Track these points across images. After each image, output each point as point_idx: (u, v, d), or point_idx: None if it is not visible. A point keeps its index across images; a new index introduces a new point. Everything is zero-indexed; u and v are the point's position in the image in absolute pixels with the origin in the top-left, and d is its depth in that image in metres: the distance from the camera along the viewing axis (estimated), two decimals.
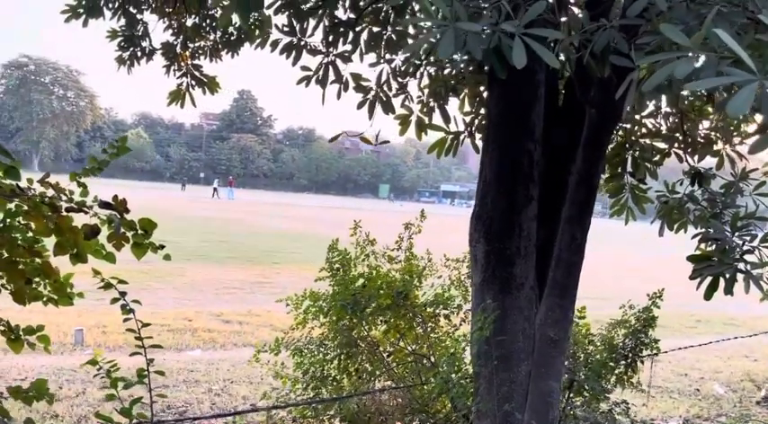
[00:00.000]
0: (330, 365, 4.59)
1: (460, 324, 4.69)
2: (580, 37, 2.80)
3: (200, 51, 6.02)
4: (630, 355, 4.44)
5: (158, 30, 5.91)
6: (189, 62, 5.97)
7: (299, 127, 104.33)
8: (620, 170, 4.75)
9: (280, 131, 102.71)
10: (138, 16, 5.71)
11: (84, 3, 5.28)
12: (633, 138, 4.82)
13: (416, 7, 3.55)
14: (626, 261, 21.71)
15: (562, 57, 3.16)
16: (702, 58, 2.21)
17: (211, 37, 5.98)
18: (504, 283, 3.54)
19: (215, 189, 57.34)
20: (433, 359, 4.39)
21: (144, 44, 5.81)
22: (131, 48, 5.75)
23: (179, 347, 9.01)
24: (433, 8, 2.57)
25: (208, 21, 5.88)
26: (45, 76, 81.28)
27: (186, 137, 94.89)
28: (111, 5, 5.43)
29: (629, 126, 4.76)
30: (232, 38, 5.91)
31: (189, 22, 5.88)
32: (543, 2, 2.60)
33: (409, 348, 4.62)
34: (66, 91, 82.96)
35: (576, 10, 4.25)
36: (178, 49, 5.90)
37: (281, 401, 4.60)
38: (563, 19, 3.43)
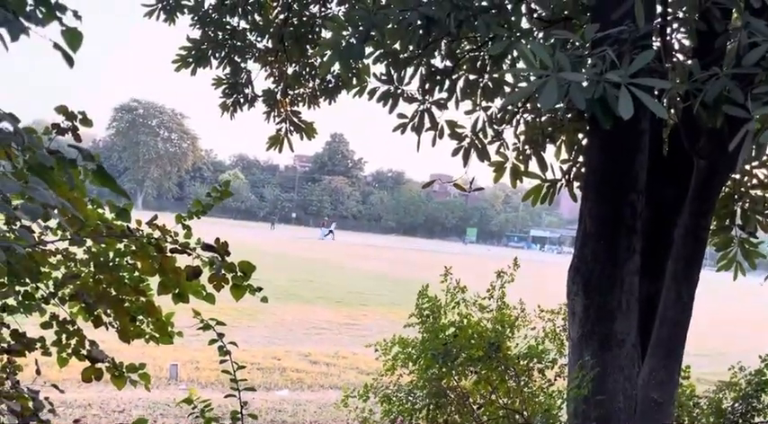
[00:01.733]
0: (419, 415, 4.50)
1: (555, 379, 4.51)
2: (690, 86, 2.69)
3: (298, 98, 6.23)
4: (741, 421, 4.13)
5: (260, 78, 6.16)
6: (288, 108, 6.18)
7: (388, 169, 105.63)
8: (728, 222, 4.51)
9: (369, 173, 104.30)
10: (242, 65, 5.98)
11: (193, 53, 5.57)
12: (743, 189, 4.58)
13: (516, 55, 3.54)
14: (731, 317, 20.48)
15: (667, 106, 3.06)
16: None
17: (310, 84, 6.18)
18: (603, 339, 3.39)
19: (330, 231, 58.92)
20: (525, 415, 4.23)
21: (246, 91, 6.06)
22: (234, 95, 6.00)
23: (267, 386, 9.10)
24: (535, 57, 2.55)
25: (307, 69, 6.09)
26: (152, 120, 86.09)
27: (280, 179, 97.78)
28: (217, 55, 5.72)
29: (737, 176, 4.53)
30: (330, 85, 6.08)
31: (289, 71, 6.10)
32: (651, 51, 2.53)
33: (501, 401, 4.47)
34: (171, 133, 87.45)
35: (680, 56, 4.14)
36: (278, 96, 6.12)
37: None
38: (668, 66, 3.33)
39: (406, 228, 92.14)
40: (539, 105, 4.46)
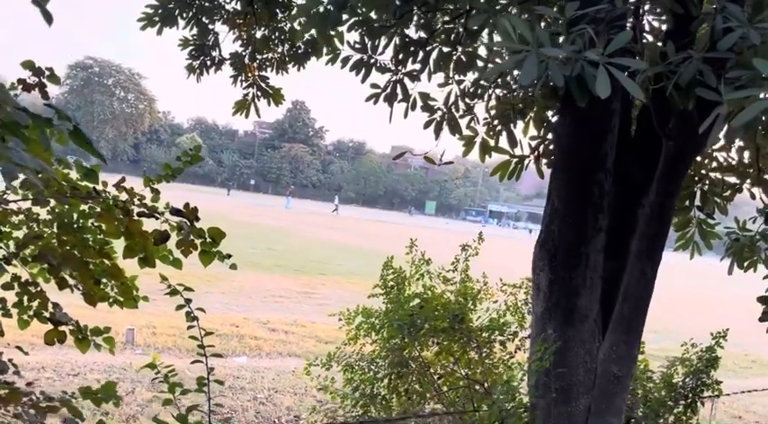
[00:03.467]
0: (380, 383, 4.55)
1: (515, 352, 4.60)
2: (664, 68, 2.73)
3: (267, 63, 6.11)
4: (691, 395, 4.29)
5: (228, 41, 6.02)
6: (256, 73, 6.06)
7: (349, 139, 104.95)
8: (687, 203, 4.62)
9: (330, 143, 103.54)
10: (210, 26, 5.83)
11: (160, 12, 5.41)
12: (703, 172, 4.69)
13: (494, 29, 3.53)
14: (683, 295, 21.10)
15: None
16: None
17: (279, 49, 6.06)
18: (567, 314, 3.46)
19: (336, 208, 59.26)
20: (486, 386, 4.31)
21: (214, 54, 5.92)
22: (201, 57, 5.86)
23: (225, 352, 9.09)
24: (515, 32, 2.54)
25: (276, 34, 5.97)
26: (108, 79, 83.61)
27: (239, 144, 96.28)
28: (184, 15, 5.56)
29: (699, 158, 4.64)
30: (299, 51, 5.98)
31: (258, 34, 5.97)
32: (629, 32, 2.55)
33: (462, 372, 4.55)
34: (127, 93, 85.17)
35: (649, 38, 4.19)
36: (246, 60, 5.99)
37: (329, 417, 4.58)
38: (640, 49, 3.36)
39: (365, 199, 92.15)
40: (515, 80, 4.49)
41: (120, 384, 7.14)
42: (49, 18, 1.62)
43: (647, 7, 3.83)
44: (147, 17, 5.43)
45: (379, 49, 4.26)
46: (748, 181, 4.65)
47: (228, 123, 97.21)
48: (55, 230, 2.77)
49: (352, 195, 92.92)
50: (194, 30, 5.74)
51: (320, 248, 25.38)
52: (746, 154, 4.62)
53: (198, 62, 5.88)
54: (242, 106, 6.07)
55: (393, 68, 4.37)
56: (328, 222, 42.69)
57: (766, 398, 9.71)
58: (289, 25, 5.94)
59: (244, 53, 6.00)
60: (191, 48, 5.82)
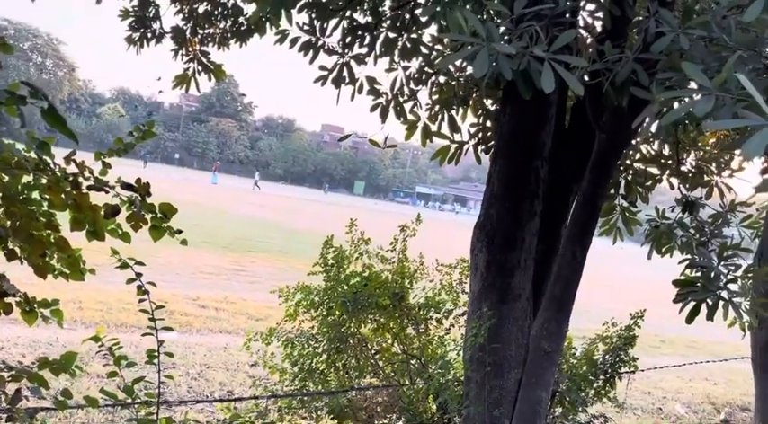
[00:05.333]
0: (319, 358, 4.68)
1: (449, 328, 4.82)
2: (601, 66, 2.93)
3: (208, 38, 6.06)
4: (610, 370, 4.61)
5: (169, 15, 5.93)
6: (197, 48, 6.01)
7: (278, 116, 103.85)
8: (612, 191, 4.92)
9: (259, 119, 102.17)
10: None
11: None
12: (628, 162, 4.99)
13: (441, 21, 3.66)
14: (602, 278, 22.08)
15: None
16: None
17: (221, 25, 6.02)
18: (502, 293, 3.67)
19: (255, 183, 58.18)
20: (422, 361, 4.51)
21: (155, 26, 5.83)
22: (142, 30, 5.77)
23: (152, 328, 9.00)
24: (466, 24, 2.69)
25: (219, 9, 5.92)
26: (24, 42, 79.61)
27: (164, 116, 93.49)
28: None
29: (624, 150, 4.93)
30: (242, 28, 5.96)
31: (200, 9, 5.91)
32: (573, 31, 2.74)
33: (399, 348, 4.73)
34: (45, 59, 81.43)
35: (583, 33, 4.42)
36: (188, 35, 5.93)
37: (269, 390, 4.68)
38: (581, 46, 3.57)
39: (294, 177, 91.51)
40: (460, 69, 4.65)
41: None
42: None
43: (588, 6, 4.05)
44: None
45: (328, 32, 4.34)
46: (667, 171, 4.99)
47: (153, 95, 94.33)
48: None
49: (281, 172, 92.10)
50: (135, 2, 5.64)
51: (248, 225, 25.17)
52: (666, 147, 4.95)
53: (138, 34, 5.78)
54: (183, 80, 6.02)
55: (340, 51, 4.45)
56: (256, 199, 42.26)
57: (673, 375, 10.40)
58: (232, 1, 5.91)
59: (185, 27, 5.94)
60: (131, 19, 5.71)
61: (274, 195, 51.38)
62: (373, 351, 4.83)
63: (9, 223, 2.69)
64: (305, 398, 4.50)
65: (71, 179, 2.58)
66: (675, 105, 2.59)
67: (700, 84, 2.32)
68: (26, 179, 2.68)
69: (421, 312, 4.66)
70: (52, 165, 2.58)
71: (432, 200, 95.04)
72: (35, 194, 2.73)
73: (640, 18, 3.15)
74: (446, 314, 4.74)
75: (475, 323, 3.66)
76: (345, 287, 4.53)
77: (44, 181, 2.60)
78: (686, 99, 2.55)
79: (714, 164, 4.84)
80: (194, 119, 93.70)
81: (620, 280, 24.14)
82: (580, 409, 4.39)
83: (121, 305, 9.54)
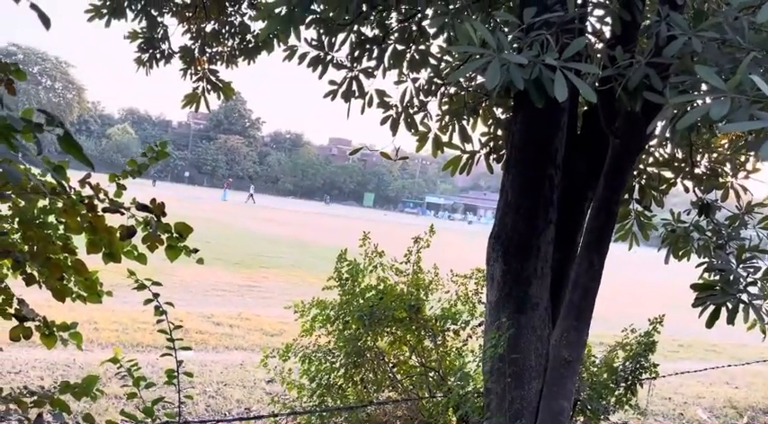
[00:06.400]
0: (337, 373, 4.66)
1: (467, 339, 4.78)
2: (613, 71, 2.92)
3: (217, 57, 6.10)
4: (630, 377, 4.56)
5: (177, 34, 5.98)
6: (206, 67, 6.05)
7: (286, 131, 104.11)
8: (627, 196, 4.88)
9: (267, 134, 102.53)
10: (159, 19, 5.78)
11: (108, 3, 5.34)
12: (641, 167, 4.96)
13: (450, 32, 3.66)
14: (619, 284, 21.96)
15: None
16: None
17: (229, 43, 6.07)
18: (519, 302, 3.64)
19: (250, 195, 58.37)
20: (441, 373, 4.48)
21: (163, 47, 5.88)
22: (150, 50, 5.81)
23: (170, 347, 9.00)
24: (476, 35, 2.68)
25: (227, 27, 5.97)
26: (33, 67, 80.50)
27: (173, 135, 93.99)
28: (133, 7, 5.50)
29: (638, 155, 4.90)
30: (249, 45, 6.00)
31: (208, 28, 5.96)
32: (584, 38, 2.73)
33: (417, 360, 4.70)
34: (54, 82, 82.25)
35: (591, 38, 4.41)
36: (196, 54, 5.97)
37: (287, 407, 4.66)
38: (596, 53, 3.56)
39: (303, 191, 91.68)
40: (470, 79, 4.65)
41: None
42: (47, 23, 1.65)
43: (596, 12, 4.04)
44: (94, 9, 5.36)
45: (336, 46, 4.35)
46: (681, 174, 4.96)
47: (162, 114, 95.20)
48: (15, 226, 2.77)
49: (290, 187, 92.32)
50: (143, 23, 5.69)
51: (260, 241, 25.20)
52: (680, 150, 4.92)
53: (147, 55, 5.83)
54: (192, 99, 6.06)
55: (349, 65, 4.47)
56: (266, 214, 42.36)
57: (693, 380, 10.29)
58: (239, 19, 5.95)
59: (193, 46, 5.99)
60: (140, 41, 5.76)
61: (284, 210, 51.49)
62: (391, 364, 4.80)
63: (27, 247, 2.70)
64: (324, 414, 4.48)
65: (86, 202, 2.59)
66: (689, 108, 2.57)
67: (714, 87, 2.30)
68: (42, 203, 2.70)
69: (438, 323, 4.64)
70: (67, 189, 2.59)
71: (441, 210, 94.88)
72: (51, 218, 2.75)
73: (649, 22, 3.14)
74: (463, 325, 4.70)
75: (493, 334, 3.64)
76: (361, 301, 4.51)
77: (60, 204, 2.61)
78: (700, 102, 2.54)
79: (729, 166, 4.80)
80: (203, 136, 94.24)
81: (636, 286, 23.96)
82: (602, 417, 4.34)
83: (137, 325, 9.54)
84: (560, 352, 3.49)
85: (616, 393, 4.53)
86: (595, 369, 4.53)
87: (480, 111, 4.88)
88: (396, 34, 4.49)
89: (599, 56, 3.10)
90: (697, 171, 4.86)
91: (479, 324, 4.61)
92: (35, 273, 2.74)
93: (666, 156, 5.00)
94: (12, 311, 2.76)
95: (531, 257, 3.64)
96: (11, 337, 2.72)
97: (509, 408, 3.51)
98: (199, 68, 6.07)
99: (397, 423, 4.48)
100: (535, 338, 3.65)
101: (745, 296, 3.65)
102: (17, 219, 2.75)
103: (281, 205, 58.51)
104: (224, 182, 69.88)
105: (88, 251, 2.64)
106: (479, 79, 4.36)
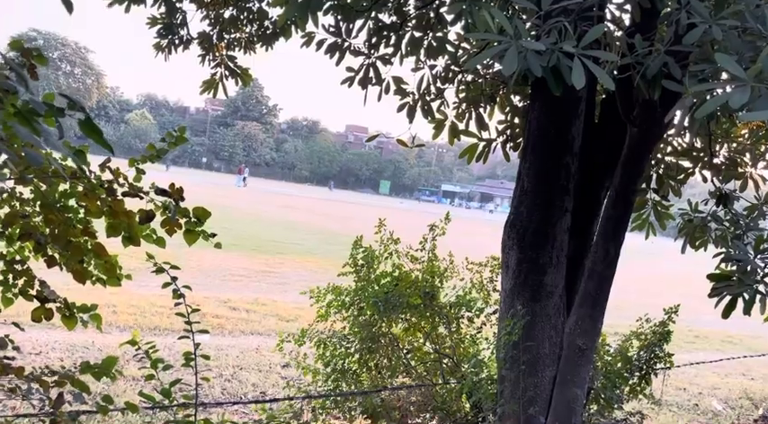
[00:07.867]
0: (351, 359, 4.69)
1: (481, 327, 4.80)
2: (632, 59, 2.90)
3: (235, 43, 6.11)
4: (645, 367, 4.55)
5: (195, 20, 6.00)
6: (224, 53, 6.06)
7: (303, 118, 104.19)
8: (644, 185, 4.86)
9: (284, 121, 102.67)
10: (178, 5, 5.80)
11: None
12: (659, 156, 4.92)
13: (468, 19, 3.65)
14: (634, 274, 21.85)
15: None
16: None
17: (247, 29, 6.07)
18: (534, 291, 3.65)
19: (243, 179, 58.31)
20: (455, 360, 4.50)
21: (182, 33, 5.89)
22: (170, 36, 5.83)
23: (188, 330, 9.09)
24: (493, 22, 2.67)
25: (245, 13, 5.97)
26: (53, 52, 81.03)
27: (191, 121, 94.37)
28: None
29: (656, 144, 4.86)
30: (268, 31, 6.00)
31: (227, 14, 5.97)
32: (602, 26, 2.71)
33: (431, 347, 4.73)
34: (74, 67, 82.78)
35: (610, 26, 4.37)
36: (214, 40, 5.99)
37: (302, 391, 4.71)
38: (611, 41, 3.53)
39: (319, 178, 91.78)
40: (487, 66, 4.63)
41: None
42: (69, 6, 1.68)
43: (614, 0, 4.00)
44: None
45: (353, 33, 4.35)
46: (700, 164, 4.91)
47: (179, 100, 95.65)
48: (37, 209, 2.81)
49: (306, 174, 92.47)
50: (162, 9, 5.71)
51: (276, 227, 25.31)
52: (698, 140, 4.88)
53: (166, 41, 5.85)
54: (210, 85, 6.09)
55: (366, 52, 4.46)
56: (283, 201, 42.50)
57: (709, 370, 10.25)
58: (257, 5, 5.95)
59: (212, 32, 6.00)
60: (159, 26, 5.78)
61: (301, 197, 51.63)
62: (405, 351, 4.83)
63: (48, 230, 2.75)
64: (338, 398, 4.52)
65: (106, 186, 2.63)
66: (708, 97, 2.55)
67: (734, 75, 2.28)
68: (62, 187, 2.74)
69: (452, 311, 4.65)
70: (88, 173, 2.62)
71: (458, 198, 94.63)
72: (72, 202, 2.79)
73: (669, 10, 3.11)
74: (477, 313, 4.72)
75: (508, 322, 3.65)
76: (376, 287, 4.54)
77: (80, 188, 2.65)
78: (720, 91, 2.51)
79: (748, 156, 4.75)
80: (220, 123, 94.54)
81: (652, 276, 23.81)
82: (616, 406, 4.34)
83: (154, 309, 9.67)
84: (575, 340, 3.50)
85: (630, 382, 4.52)
86: (610, 358, 4.53)
87: (497, 99, 4.87)
88: (413, 21, 4.47)
89: (617, 43, 3.07)
90: (716, 160, 4.81)
91: (494, 312, 4.63)
92: (56, 255, 2.78)
93: (685, 146, 4.95)
94: (33, 292, 2.81)
95: (546, 245, 3.64)
96: (33, 317, 2.77)
97: (522, 395, 3.52)
98: (217, 54, 6.09)
99: (411, 409, 4.51)
100: (549, 326, 3.65)
101: (762, 287, 3.62)
102: (39, 202, 2.79)
103: (296, 191, 58.62)
104: (239, 168, 69.66)
105: (108, 234, 2.68)
106: (497, 66, 4.34)
